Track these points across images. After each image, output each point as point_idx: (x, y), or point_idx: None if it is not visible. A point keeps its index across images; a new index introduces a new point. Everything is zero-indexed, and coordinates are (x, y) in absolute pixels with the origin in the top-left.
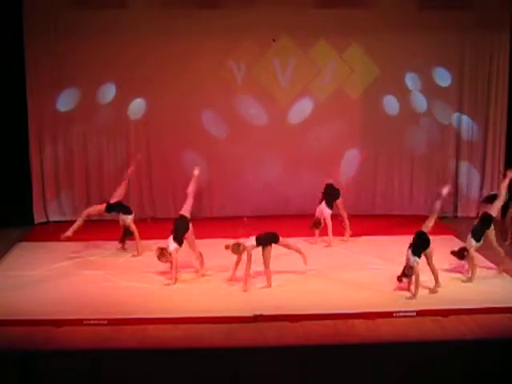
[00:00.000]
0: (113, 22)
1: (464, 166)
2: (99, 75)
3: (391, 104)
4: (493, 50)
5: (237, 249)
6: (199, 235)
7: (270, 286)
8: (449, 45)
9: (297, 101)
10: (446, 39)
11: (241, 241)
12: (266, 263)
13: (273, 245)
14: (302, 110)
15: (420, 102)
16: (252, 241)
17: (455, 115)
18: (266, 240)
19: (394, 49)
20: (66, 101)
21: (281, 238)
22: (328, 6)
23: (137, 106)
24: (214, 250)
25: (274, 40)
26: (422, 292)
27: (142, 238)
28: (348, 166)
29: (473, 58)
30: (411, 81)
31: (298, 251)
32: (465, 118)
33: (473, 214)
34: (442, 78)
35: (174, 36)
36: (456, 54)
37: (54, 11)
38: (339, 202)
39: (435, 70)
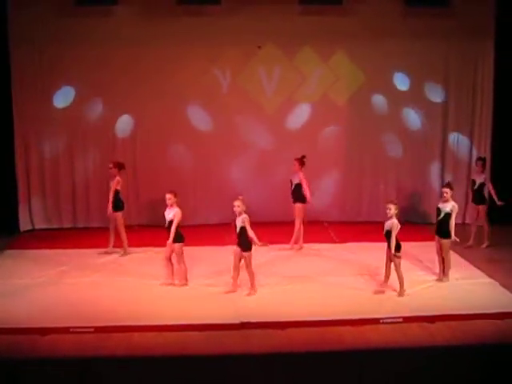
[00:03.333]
0: (98, 30)
1: (448, 171)
2: (82, 83)
3: (376, 110)
4: (477, 57)
5: None
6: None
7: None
8: (434, 52)
9: (282, 111)
10: (431, 46)
11: None
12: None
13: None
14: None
15: (405, 108)
16: None
17: (440, 121)
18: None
19: (379, 56)
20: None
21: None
22: (313, 13)
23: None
24: (201, 258)
25: (259, 47)
26: (409, 298)
27: (130, 244)
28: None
29: (458, 65)
30: (396, 87)
31: None
32: (450, 125)
33: (457, 220)
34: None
35: (159, 44)
36: (441, 61)
37: (39, 20)
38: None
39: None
